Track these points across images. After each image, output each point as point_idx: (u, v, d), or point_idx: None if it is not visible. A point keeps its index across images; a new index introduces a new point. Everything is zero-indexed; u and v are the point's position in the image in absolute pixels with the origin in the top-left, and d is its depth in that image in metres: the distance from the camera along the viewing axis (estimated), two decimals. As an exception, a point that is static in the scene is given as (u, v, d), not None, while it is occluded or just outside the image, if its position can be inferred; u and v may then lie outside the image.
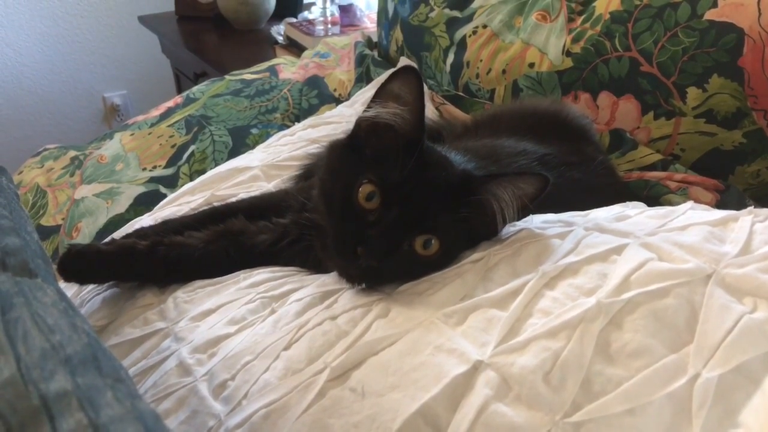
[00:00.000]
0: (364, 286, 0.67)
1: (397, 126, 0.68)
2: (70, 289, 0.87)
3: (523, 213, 0.67)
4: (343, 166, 0.71)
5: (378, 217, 0.65)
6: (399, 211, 0.64)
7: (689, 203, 0.69)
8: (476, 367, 0.51)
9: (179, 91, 2.54)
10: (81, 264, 0.80)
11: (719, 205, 1.00)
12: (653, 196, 1.05)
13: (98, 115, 2.96)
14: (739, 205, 0.99)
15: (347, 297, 0.66)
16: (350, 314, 0.62)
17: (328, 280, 0.71)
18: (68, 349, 0.34)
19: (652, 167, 1.10)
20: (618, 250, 0.59)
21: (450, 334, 0.55)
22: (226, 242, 0.83)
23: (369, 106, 0.69)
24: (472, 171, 0.71)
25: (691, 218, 0.63)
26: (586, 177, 0.91)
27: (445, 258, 0.67)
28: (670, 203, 1.00)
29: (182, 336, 0.69)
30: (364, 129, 0.71)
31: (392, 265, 0.65)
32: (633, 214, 0.68)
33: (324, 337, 0.60)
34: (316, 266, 0.77)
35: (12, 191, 0.70)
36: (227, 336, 0.66)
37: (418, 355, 0.54)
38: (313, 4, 2.29)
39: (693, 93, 1.04)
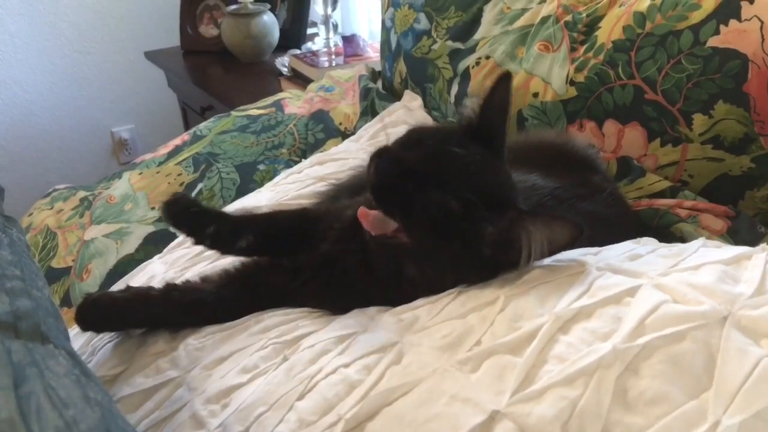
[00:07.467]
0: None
1: None
2: (81, 337, 0.87)
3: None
4: None
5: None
6: None
7: (701, 240, 0.68)
8: (493, 417, 0.51)
9: (186, 124, 2.57)
10: (97, 313, 0.80)
11: (730, 231, 0.99)
12: (664, 225, 1.04)
13: (107, 150, 2.99)
14: (750, 231, 0.98)
15: (361, 342, 0.65)
16: (363, 361, 0.61)
17: (342, 323, 0.70)
18: (81, 426, 0.34)
19: (660, 194, 1.09)
20: (631, 291, 0.58)
21: (465, 382, 0.55)
22: (238, 285, 0.83)
23: None
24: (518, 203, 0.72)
25: (704, 257, 0.63)
26: (597, 208, 0.91)
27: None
28: (681, 232, 1.00)
29: (195, 385, 0.68)
30: None
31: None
32: (644, 252, 0.67)
33: (337, 386, 0.59)
34: (332, 306, 0.77)
35: (22, 243, 0.70)
36: (240, 385, 0.65)
37: (433, 405, 0.54)
38: (316, 34, 2.32)
39: (699, 119, 1.04)
